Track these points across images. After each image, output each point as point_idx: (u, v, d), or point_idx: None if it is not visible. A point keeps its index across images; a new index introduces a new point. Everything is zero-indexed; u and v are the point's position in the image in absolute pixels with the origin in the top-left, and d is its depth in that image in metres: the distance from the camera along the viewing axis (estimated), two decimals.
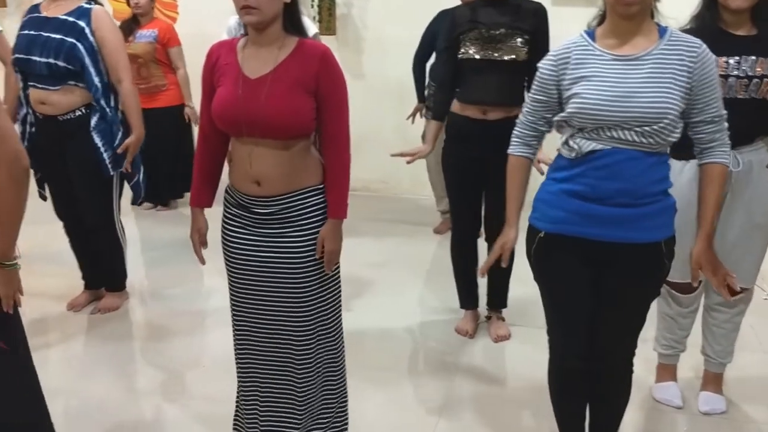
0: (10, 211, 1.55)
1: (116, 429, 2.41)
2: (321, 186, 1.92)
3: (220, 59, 1.89)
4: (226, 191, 1.98)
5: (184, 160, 4.78)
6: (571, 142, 1.79)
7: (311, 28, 2.89)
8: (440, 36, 3.36)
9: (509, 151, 1.97)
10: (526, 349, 2.95)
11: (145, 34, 4.55)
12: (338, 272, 2.01)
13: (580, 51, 1.78)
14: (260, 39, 1.84)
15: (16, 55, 2.85)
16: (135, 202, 4.84)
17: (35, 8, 2.95)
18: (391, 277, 3.79)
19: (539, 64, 1.87)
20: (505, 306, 3.11)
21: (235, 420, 2.16)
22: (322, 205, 1.91)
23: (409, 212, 5.01)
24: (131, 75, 2.99)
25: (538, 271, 1.92)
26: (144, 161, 3.22)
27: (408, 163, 2.92)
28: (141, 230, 4.54)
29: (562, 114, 1.80)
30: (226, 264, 2.00)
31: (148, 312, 3.36)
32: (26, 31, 2.89)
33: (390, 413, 2.50)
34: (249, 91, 1.80)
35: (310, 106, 1.84)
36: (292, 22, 1.86)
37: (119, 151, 2.97)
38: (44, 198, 3.15)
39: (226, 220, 1.97)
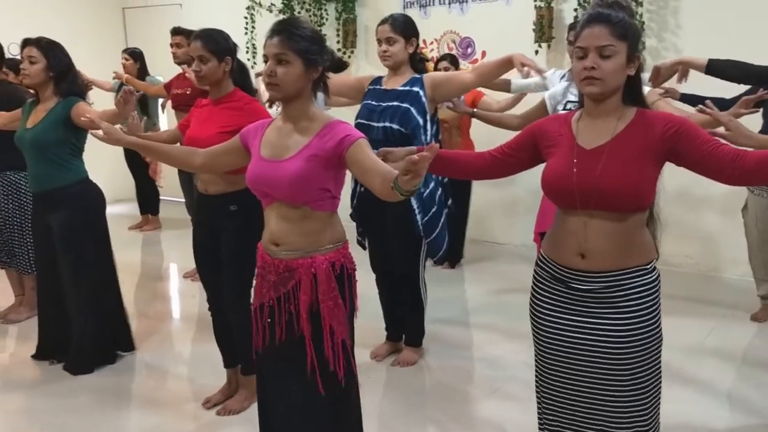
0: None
1: None
2: (649, 265, 1.78)
3: (553, 131, 1.87)
4: (538, 262, 1.93)
5: None
6: None
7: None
8: None
9: None
10: None
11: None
12: (659, 361, 1.83)
13: None
14: (597, 110, 1.79)
15: (358, 120, 3.18)
16: (433, 259, 4.95)
17: (378, 80, 3.30)
18: (696, 366, 3.37)
19: None
20: None
21: None
22: (650, 287, 1.77)
23: (717, 293, 4.46)
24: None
25: None
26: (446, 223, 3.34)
27: None
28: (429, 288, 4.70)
29: None
30: (535, 337, 1.93)
31: (441, 370, 3.41)
32: (368, 101, 3.24)
33: None
34: (584, 163, 1.75)
35: (652, 177, 1.73)
36: (632, 94, 1.79)
37: None
38: (363, 247, 3.42)
39: (538, 292, 1.91)
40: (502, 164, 1.98)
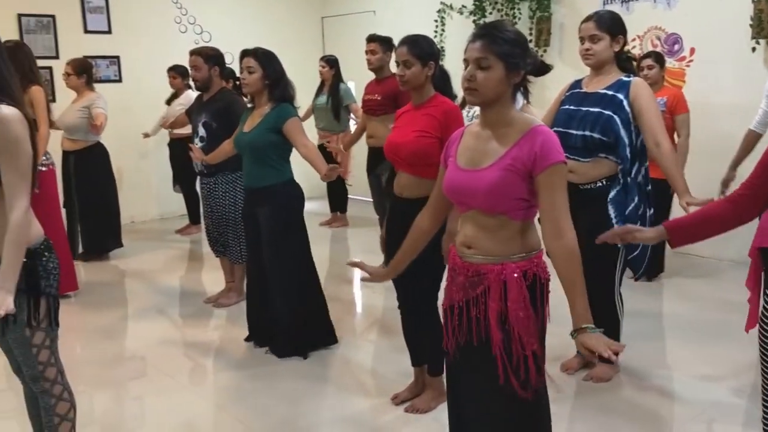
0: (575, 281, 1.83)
1: None
2: None
3: None
4: None
5: None
6: None
7: None
8: None
9: None
10: None
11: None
12: None
13: None
14: None
15: (555, 128, 3.05)
16: (636, 276, 4.55)
17: (577, 84, 3.16)
18: None
19: None
20: None
21: None
22: None
23: None
24: (668, 137, 2.96)
25: None
26: None
27: None
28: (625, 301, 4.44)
29: None
30: (762, 364, 1.81)
31: (637, 390, 3.20)
32: (566, 106, 3.10)
33: None
34: None
35: None
36: None
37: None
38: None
39: None
40: (752, 198, 1.88)
